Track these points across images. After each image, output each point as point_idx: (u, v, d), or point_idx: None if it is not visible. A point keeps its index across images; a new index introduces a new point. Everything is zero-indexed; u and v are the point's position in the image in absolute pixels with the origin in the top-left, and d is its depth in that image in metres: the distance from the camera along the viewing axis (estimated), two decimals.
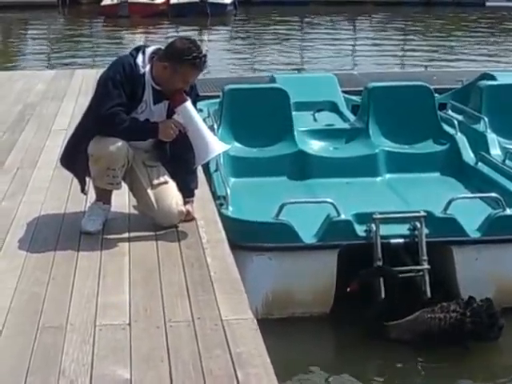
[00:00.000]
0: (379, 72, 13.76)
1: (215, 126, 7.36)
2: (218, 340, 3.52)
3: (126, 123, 4.57)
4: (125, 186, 4.92)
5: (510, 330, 5.51)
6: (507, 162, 7.07)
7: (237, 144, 7.33)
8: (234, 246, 4.83)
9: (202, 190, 5.35)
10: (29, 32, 25.10)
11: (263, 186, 6.97)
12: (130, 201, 5.18)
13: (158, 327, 3.65)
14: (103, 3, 27.76)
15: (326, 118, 8.38)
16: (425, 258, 5.80)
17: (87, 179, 4.91)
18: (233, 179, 7.02)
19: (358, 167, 7.26)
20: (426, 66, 13.80)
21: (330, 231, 5.78)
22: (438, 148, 7.61)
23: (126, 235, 4.78)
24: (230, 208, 6.01)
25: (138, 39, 22.74)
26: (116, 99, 4.53)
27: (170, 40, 4.80)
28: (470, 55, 18.83)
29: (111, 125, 4.55)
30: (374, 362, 5.49)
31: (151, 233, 4.78)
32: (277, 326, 5.47)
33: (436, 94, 8.18)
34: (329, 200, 5.89)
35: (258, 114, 7.57)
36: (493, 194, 6.23)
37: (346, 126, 8.16)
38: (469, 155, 7.44)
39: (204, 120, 5.45)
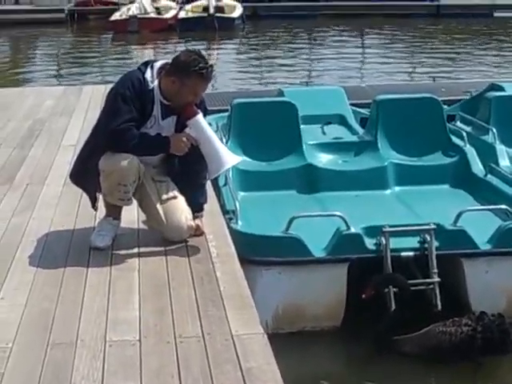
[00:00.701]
0: (387, 84, 13.76)
1: (224, 140, 7.35)
2: (228, 355, 3.51)
3: (137, 138, 4.57)
4: (134, 202, 4.92)
5: None
6: None
7: (245, 158, 7.31)
8: (244, 261, 4.82)
9: (211, 204, 5.35)
10: (38, 48, 25.22)
11: (272, 199, 6.96)
12: (139, 216, 5.18)
13: (168, 343, 3.65)
14: (112, 18, 27.89)
15: (335, 131, 8.37)
16: (435, 270, 5.78)
17: (97, 195, 4.92)
18: (242, 193, 7.01)
19: (367, 180, 7.25)
20: (434, 78, 13.79)
21: (340, 245, 5.76)
22: (447, 160, 7.59)
23: (135, 250, 4.78)
24: (240, 222, 6.00)
25: (147, 54, 22.81)
26: (126, 115, 4.54)
27: None
28: (478, 66, 18.82)
29: (122, 140, 4.55)
30: (385, 376, 5.45)
31: (161, 248, 4.78)
32: (287, 341, 5.46)
33: (444, 106, 8.18)
34: (338, 213, 5.87)
35: (267, 127, 7.57)
36: (503, 206, 6.21)
37: (354, 138, 8.15)
38: (478, 167, 7.42)
39: None
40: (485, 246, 5.89)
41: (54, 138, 7.81)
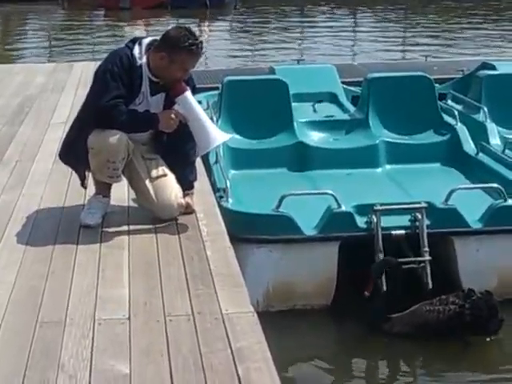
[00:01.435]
0: (379, 62, 13.73)
1: (214, 118, 7.32)
2: (218, 334, 3.50)
3: (125, 115, 4.55)
4: (124, 179, 4.89)
5: (510, 322, 5.48)
6: (507, 151, 7.05)
7: (236, 136, 7.28)
8: (234, 239, 4.80)
9: (202, 183, 5.33)
10: (29, 25, 25.04)
11: (263, 177, 6.96)
12: (129, 194, 5.16)
13: (157, 321, 3.63)
14: None
15: (326, 109, 8.36)
16: (426, 249, 5.77)
17: (87, 173, 4.89)
18: (232, 171, 7.00)
19: (358, 158, 7.24)
20: (426, 56, 13.73)
21: (331, 223, 5.75)
22: (439, 138, 7.59)
23: (125, 228, 4.75)
24: (230, 200, 5.99)
25: (139, 31, 22.67)
26: (115, 91, 4.51)
27: None
28: (471, 44, 18.78)
29: (111, 117, 4.52)
30: (375, 354, 5.47)
31: (150, 226, 4.75)
32: (277, 319, 5.47)
33: (436, 84, 8.15)
34: (329, 192, 5.86)
35: (258, 105, 7.55)
36: (494, 185, 6.20)
37: (346, 116, 8.14)
38: (469, 145, 7.42)
39: None
40: (476, 225, 5.89)
41: (43, 115, 7.77)
